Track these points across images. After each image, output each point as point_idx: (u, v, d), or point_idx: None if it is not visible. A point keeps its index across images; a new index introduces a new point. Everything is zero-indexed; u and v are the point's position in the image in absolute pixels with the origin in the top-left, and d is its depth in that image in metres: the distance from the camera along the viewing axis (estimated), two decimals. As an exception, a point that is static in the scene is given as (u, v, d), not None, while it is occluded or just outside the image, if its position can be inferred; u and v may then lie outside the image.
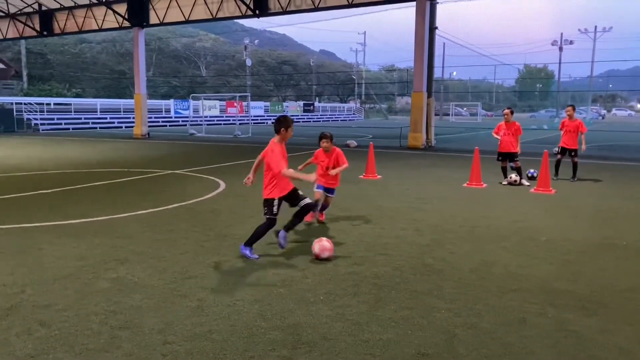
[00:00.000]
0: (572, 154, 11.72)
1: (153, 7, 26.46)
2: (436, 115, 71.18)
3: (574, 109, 11.91)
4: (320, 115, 66.23)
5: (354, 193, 9.96)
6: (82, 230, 6.93)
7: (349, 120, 67.88)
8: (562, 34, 63.69)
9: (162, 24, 26.88)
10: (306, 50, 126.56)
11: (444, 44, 64.46)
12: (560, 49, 62.90)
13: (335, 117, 67.91)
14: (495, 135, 11.36)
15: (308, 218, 7.03)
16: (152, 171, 13.07)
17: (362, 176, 12.02)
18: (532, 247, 6.19)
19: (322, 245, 5.65)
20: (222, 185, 10.76)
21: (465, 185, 10.91)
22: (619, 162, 15.89)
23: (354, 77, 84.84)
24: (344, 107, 77.37)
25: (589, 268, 5.41)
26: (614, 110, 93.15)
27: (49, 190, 10.06)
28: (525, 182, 10.98)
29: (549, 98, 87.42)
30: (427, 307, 4.36)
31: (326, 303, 4.43)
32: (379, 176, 12.02)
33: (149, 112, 41.19)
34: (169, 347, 3.64)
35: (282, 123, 5.76)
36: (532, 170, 11.80)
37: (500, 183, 11.12)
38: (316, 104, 71.33)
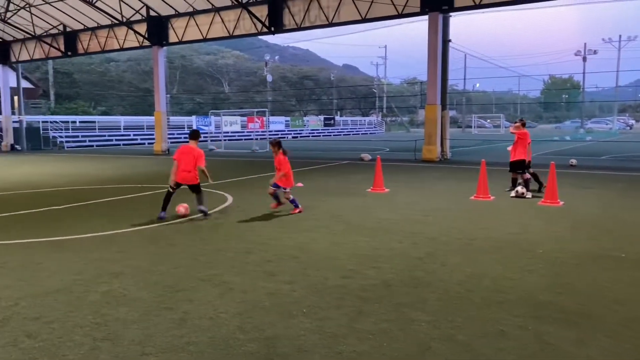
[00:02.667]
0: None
1: (172, 26, 27.08)
2: (458, 127, 70.91)
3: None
4: (341, 129, 66.42)
5: (357, 206, 9.99)
6: (83, 245, 7.12)
7: (370, 133, 67.89)
8: (585, 44, 63.00)
9: (180, 42, 27.44)
10: (329, 65, 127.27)
11: (465, 55, 64.16)
12: (584, 59, 62.07)
13: (356, 131, 68.01)
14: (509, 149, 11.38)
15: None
16: (165, 186, 13.23)
17: (369, 189, 12.05)
18: (526, 259, 6.14)
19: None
20: (229, 199, 10.92)
21: (472, 198, 10.84)
22: (637, 173, 15.57)
23: (375, 90, 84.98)
24: (365, 120, 77.44)
25: (579, 280, 5.34)
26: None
27: (61, 207, 10.34)
28: (528, 194, 10.80)
29: (575, 109, 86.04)
30: (408, 319, 4.37)
31: (308, 316, 4.48)
32: (386, 189, 12.02)
33: (172, 128, 42.17)
34: (146, 358, 3.73)
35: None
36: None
37: (510, 195, 10.99)
38: (337, 117, 71.60)
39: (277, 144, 9.29)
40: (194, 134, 9.17)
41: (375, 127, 74.10)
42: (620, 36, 64.89)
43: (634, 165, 18.19)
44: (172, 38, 27.32)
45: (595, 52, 62.78)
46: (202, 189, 9.09)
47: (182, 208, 8.99)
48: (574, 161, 18.02)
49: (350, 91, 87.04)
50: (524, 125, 11.46)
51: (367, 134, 67.17)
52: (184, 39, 27.05)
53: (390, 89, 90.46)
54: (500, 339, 3.96)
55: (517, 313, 4.46)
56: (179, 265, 6.03)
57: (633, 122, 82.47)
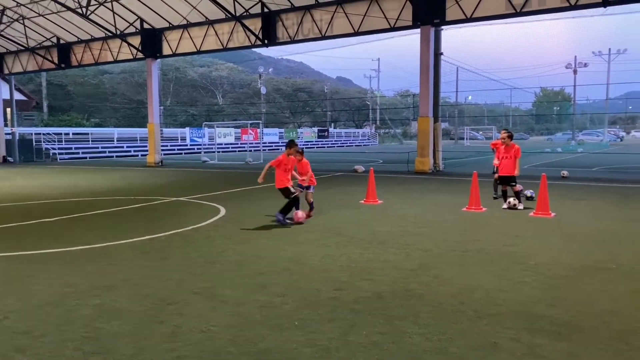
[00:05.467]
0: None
1: (166, 38, 27.18)
2: (451, 139, 71.23)
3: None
4: (335, 140, 66.59)
5: (350, 218, 10.00)
6: (76, 258, 7.08)
7: (364, 145, 68.12)
8: (575, 56, 63.50)
9: (174, 54, 27.56)
10: (323, 77, 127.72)
11: (457, 68, 64.68)
12: (575, 72, 62.60)
13: (350, 143, 68.21)
14: (496, 161, 11.46)
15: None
16: (157, 198, 13.28)
17: (362, 201, 12.06)
18: (518, 271, 6.15)
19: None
20: (222, 211, 10.89)
21: (464, 209, 10.88)
22: (628, 185, 15.68)
23: (368, 102, 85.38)
24: (358, 132, 77.71)
25: (572, 292, 5.36)
26: (633, 132, 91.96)
27: (53, 219, 10.28)
28: (520, 206, 10.87)
29: (566, 121, 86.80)
30: (400, 332, 4.37)
31: (300, 328, 4.46)
32: (379, 201, 12.05)
33: (165, 140, 42.14)
34: (136, 372, 3.70)
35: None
36: (530, 191, 11.84)
37: (502, 207, 11.05)
38: (331, 129, 71.79)
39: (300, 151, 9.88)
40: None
41: (368, 139, 74.34)
42: (610, 49, 65.71)
43: (625, 177, 18.31)
44: (166, 50, 27.41)
45: (585, 65, 63.37)
46: (292, 197, 9.44)
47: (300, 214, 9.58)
48: (565, 173, 18.14)
49: (344, 103, 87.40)
50: (510, 137, 11.37)
51: (360, 145, 67.37)
52: (178, 52, 27.15)
53: (384, 101, 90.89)
54: (493, 352, 3.95)
55: (510, 325, 4.47)
56: (171, 278, 6.00)
57: (623, 134, 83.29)
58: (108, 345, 4.15)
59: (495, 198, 12.19)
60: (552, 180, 15.51)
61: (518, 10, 18.17)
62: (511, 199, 10.91)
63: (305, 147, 56.75)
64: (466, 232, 8.57)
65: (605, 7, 17.41)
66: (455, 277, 5.93)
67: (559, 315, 4.68)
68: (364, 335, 4.29)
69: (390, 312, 4.84)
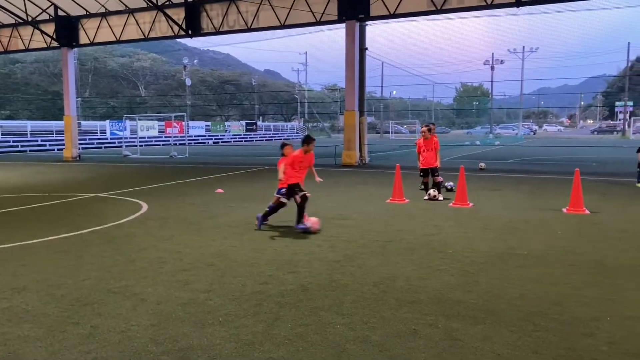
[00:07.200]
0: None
1: (82, 27, 25.89)
2: (377, 133, 72.80)
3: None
4: (263, 134, 66.24)
5: (278, 212, 9.96)
6: (-18, 259, 6.61)
7: (292, 139, 68.17)
8: (493, 54, 66.60)
9: (92, 44, 26.34)
10: (250, 70, 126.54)
11: (382, 63, 66.05)
12: (492, 68, 65.65)
13: (279, 136, 68.08)
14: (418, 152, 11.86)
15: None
16: (74, 195, 12.65)
17: (289, 195, 12.06)
18: (438, 259, 6.39)
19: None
20: (144, 207, 10.55)
21: (388, 201, 11.15)
22: (539, 176, 16.66)
23: (297, 96, 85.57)
24: (287, 126, 77.74)
25: (486, 278, 5.64)
26: (544, 126, 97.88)
27: (-43, 218, 9.56)
28: (440, 197, 11.30)
29: (485, 115, 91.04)
30: (324, 323, 4.42)
31: (224, 324, 4.41)
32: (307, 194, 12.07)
33: (84, 134, 40.25)
34: (48, 377, 3.52)
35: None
36: (450, 183, 12.33)
37: (424, 198, 11.43)
38: (259, 123, 71.36)
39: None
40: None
41: (297, 133, 74.50)
42: (523, 47, 69.37)
43: (537, 168, 19.45)
44: (83, 39, 26.13)
45: (502, 62, 66.54)
46: (298, 200, 8.24)
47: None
48: (483, 165, 19.02)
49: (273, 96, 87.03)
50: (430, 130, 11.84)
51: (289, 139, 67.35)
52: (96, 41, 25.96)
53: (312, 95, 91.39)
54: (412, 338, 4.09)
55: (429, 312, 4.63)
56: (88, 278, 5.74)
57: (536, 127, 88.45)
58: (18, 351, 3.92)
59: (421, 189, 12.51)
60: (471, 172, 16.25)
61: (438, 8, 18.79)
62: (431, 191, 11.31)
63: (233, 141, 56.29)
64: (389, 223, 8.79)
65: (518, 7, 18.35)
66: (378, 267, 6.08)
67: (475, 301, 4.91)
68: (288, 328, 4.30)
69: (315, 303, 4.89)
